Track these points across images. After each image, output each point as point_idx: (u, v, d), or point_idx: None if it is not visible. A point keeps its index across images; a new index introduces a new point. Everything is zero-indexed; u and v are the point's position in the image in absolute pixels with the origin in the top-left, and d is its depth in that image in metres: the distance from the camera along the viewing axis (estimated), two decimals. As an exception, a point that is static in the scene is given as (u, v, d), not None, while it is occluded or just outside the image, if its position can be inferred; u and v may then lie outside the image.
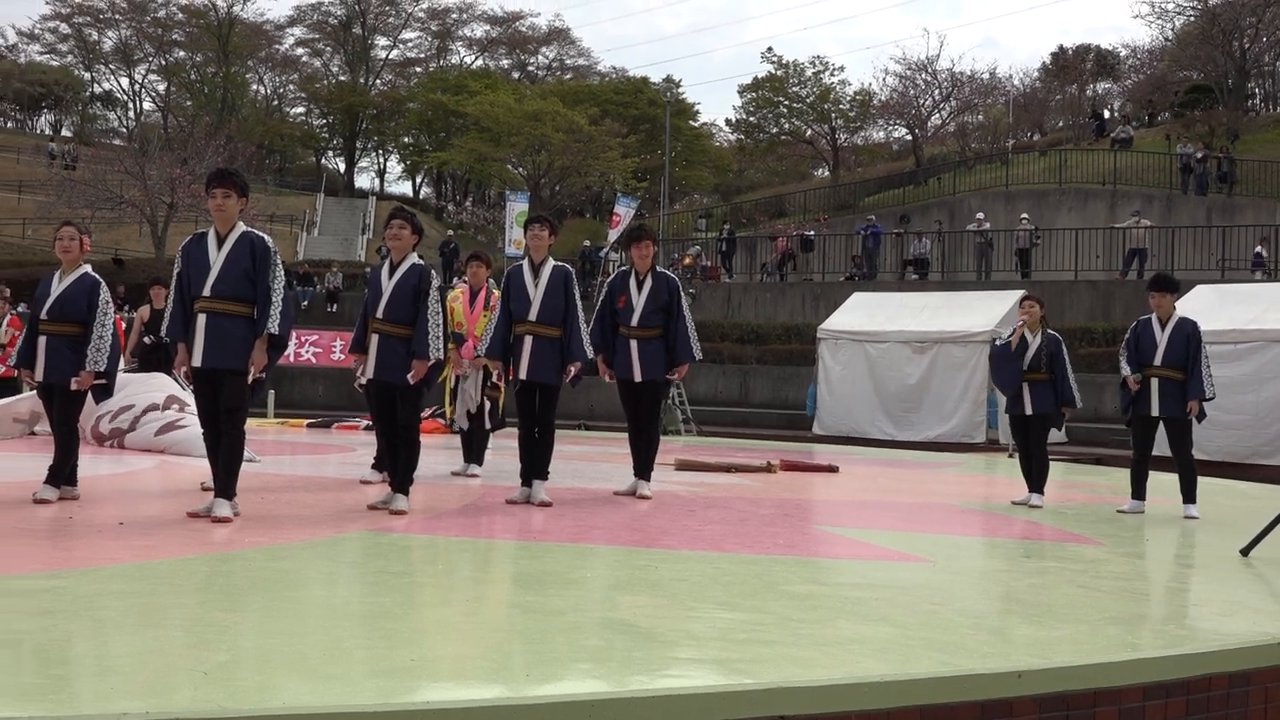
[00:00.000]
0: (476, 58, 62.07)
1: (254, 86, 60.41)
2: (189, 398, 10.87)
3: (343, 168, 61.94)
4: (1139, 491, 8.70)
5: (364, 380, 7.16)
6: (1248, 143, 37.17)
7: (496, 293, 8.67)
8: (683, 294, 8.28)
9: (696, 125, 56.44)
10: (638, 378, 8.11)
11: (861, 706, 3.26)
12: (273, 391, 22.02)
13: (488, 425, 9.55)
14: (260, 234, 6.41)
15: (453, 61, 62.22)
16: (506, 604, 4.50)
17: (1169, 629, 4.58)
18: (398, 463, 7.04)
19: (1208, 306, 15.96)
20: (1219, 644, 4.08)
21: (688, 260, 30.93)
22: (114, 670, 3.14)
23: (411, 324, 6.92)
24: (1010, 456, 15.13)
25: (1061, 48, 54.72)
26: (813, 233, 31.80)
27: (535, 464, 7.66)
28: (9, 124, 60.94)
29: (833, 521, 8.06)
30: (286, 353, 6.65)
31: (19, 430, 12.04)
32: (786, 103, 49.76)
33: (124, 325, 13.25)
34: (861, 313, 20.61)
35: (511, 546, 6.15)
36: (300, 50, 60.72)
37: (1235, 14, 40.38)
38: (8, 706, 2.73)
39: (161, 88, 59.22)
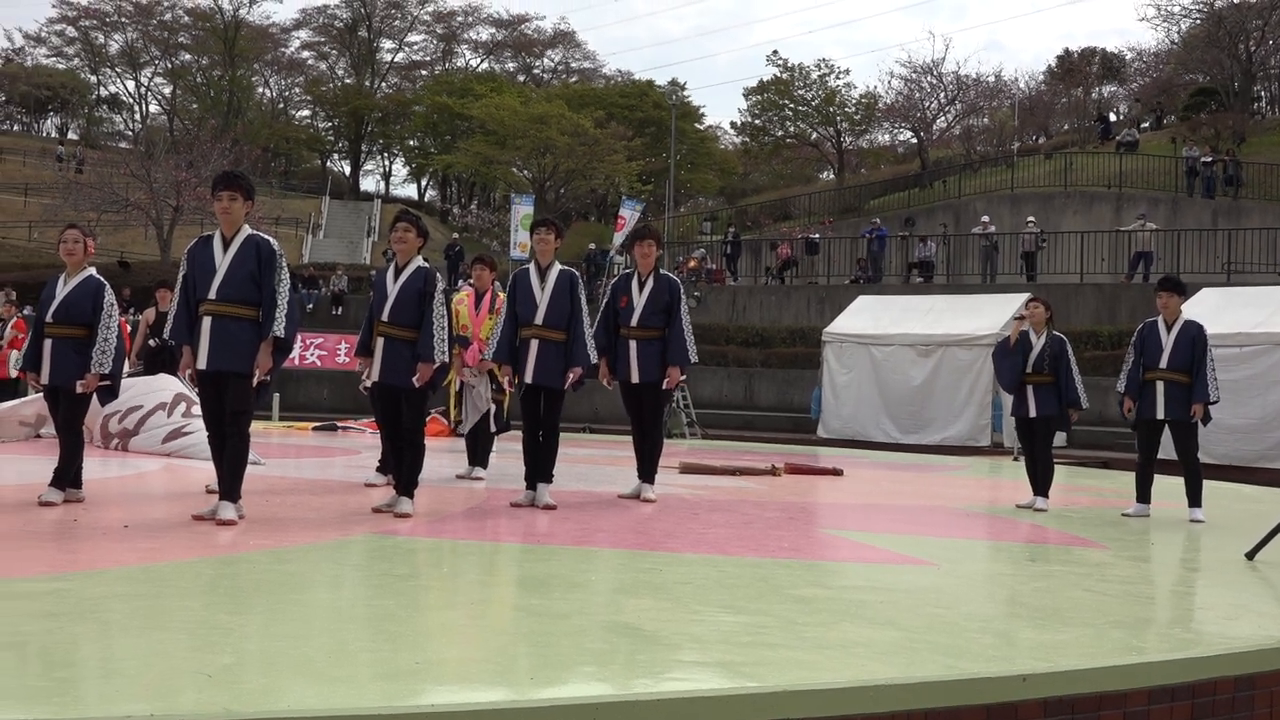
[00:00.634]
0: (482, 61, 62.18)
1: (259, 89, 60.54)
2: (196, 397, 10.88)
3: (348, 171, 62.05)
4: (1144, 495, 8.69)
5: (369, 383, 7.16)
6: (1254, 145, 37.11)
7: (502, 295, 8.68)
8: (684, 297, 8.27)
9: (701, 128, 56.45)
10: (635, 379, 8.11)
11: (866, 710, 3.26)
12: (278, 394, 22.04)
13: (492, 429, 9.55)
14: (266, 237, 6.41)
15: (458, 64, 62.33)
16: (511, 607, 4.50)
17: (1174, 633, 4.57)
18: (402, 466, 7.04)
19: (1214, 309, 15.93)
20: (1224, 648, 4.07)
21: (692, 263, 30.92)
22: (119, 673, 3.14)
23: (417, 327, 6.93)
24: (1015, 460, 15.12)
25: (1067, 51, 54.78)
26: (818, 236, 31.79)
27: (540, 467, 7.66)
28: (15, 127, 61.10)
29: (837, 524, 8.05)
30: (291, 356, 6.65)
31: (24, 433, 12.06)
32: (792, 106, 49.77)
33: (129, 328, 13.28)
34: (866, 316, 20.60)
35: (516, 549, 6.15)
36: (306, 53, 60.87)
37: (1241, 17, 40.32)
38: (13, 709, 2.74)
39: (167, 91, 59.35)
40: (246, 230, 6.36)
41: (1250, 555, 6.43)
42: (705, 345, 8.73)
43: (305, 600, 4.37)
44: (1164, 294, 8.74)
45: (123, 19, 56.05)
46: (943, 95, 47.58)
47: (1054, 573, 5.79)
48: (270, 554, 5.34)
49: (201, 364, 6.24)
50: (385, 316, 7.01)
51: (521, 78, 60.83)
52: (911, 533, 7.35)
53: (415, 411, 7.04)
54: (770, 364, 24.57)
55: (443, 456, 10.98)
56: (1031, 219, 28.57)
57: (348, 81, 60.10)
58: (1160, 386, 8.56)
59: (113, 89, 62.15)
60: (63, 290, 6.99)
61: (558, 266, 7.80)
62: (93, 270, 7.13)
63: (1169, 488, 9.42)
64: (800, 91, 49.34)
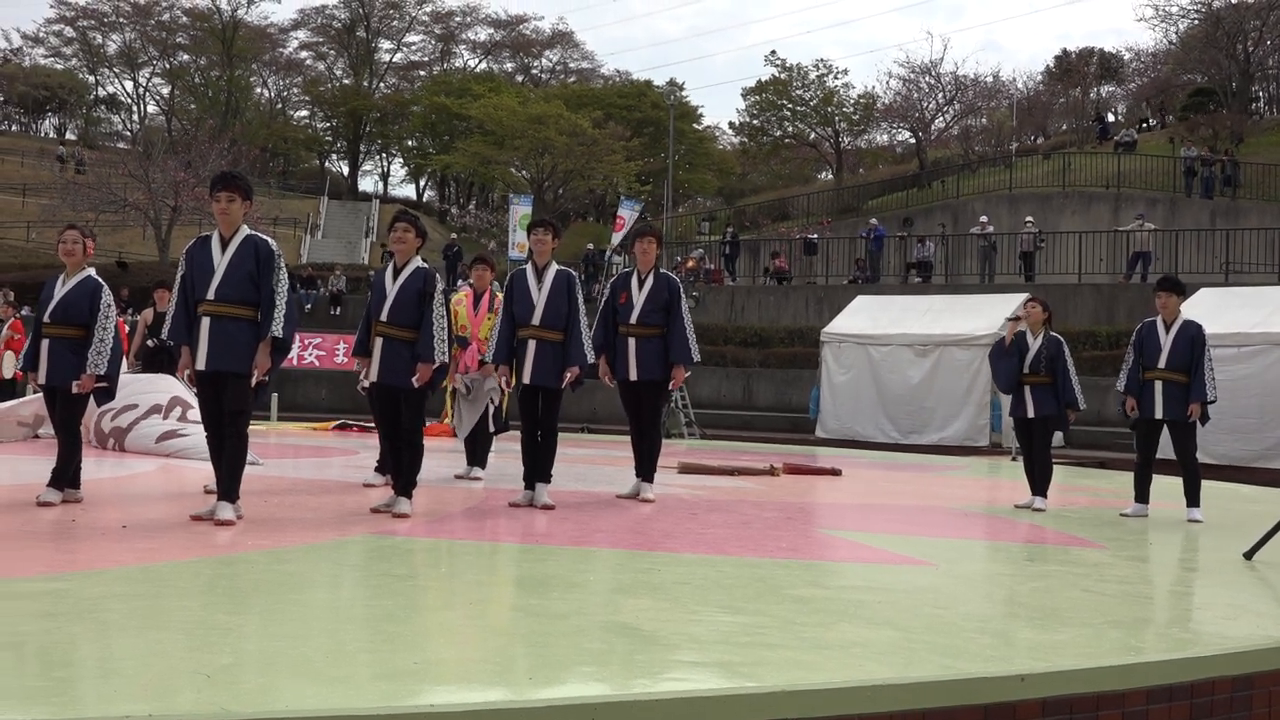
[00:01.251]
0: (480, 61, 62.19)
1: (258, 90, 60.55)
2: (194, 399, 10.88)
3: (346, 171, 62.06)
4: (1142, 495, 8.69)
5: (367, 384, 7.16)
6: (1252, 145, 37.15)
7: (500, 295, 8.68)
8: (684, 296, 8.27)
9: (700, 128, 56.48)
10: (633, 376, 8.11)
11: (864, 710, 3.26)
12: (275, 394, 22.04)
13: (491, 429, 9.55)
14: (264, 237, 6.41)
15: (456, 65, 62.34)
16: (509, 607, 4.50)
17: (1172, 632, 4.57)
18: (401, 466, 7.04)
19: (1212, 309, 15.94)
20: (1222, 647, 4.08)
21: (691, 263, 30.90)
22: (117, 673, 3.14)
23: (415, 327, 6.93)
24: (1014, 460, 15.13)
25: (1065, 51, 54.79)
26: (816, 236, 31.79)
27: (538, 467, 7.66)
28: (13, 127, 61.06)
29: (835, 525, 8.05)
30: (290, 356, 6.65)
31: (23, 433, 12.05)
32: (790, 106, 49.79)
33: (127, 328, 13.28)
34: (865, 316, 20.61)
35: (514, 550, 6.15)
36: (304, 53, 60.89)
37: (1239, 17, 40.36)
38: (11, 709, 2.74)
39: (165, 91, 59.36)
40: (245, 230, 6.36)
41: (1248, 555, 6.43)
42: (704, 345, 8.75)
43: (303, 600, 4.37)
44: (1163, 294, 8.75)
45: (121, 19, 56.06)
46: (941, 95, 47.63)
47: (1052, 573, 5.80)
48: (268, 554, 5.34)
49: (200, 364, 6.24)
50: (384, 317, 7.01)
51: (520, 78, 60.84)
52: (909, 533, 7.35)
53: (414, 412, 7.04)
54: (768, 364, 24.58)
55: (441, 457, 10.98)
56: (1030, 219, 28.59)
57: (346, 82, 60.10)
58: (1159, 386, 8.57)
59: (111, 89, 62.25)
60: (61, 291, 6.99)
61: (555, 267, 7.79)
62: (91, 271, 7.12)
63: (1167, 488, 9.42)
64: (798, 92, 49.37)
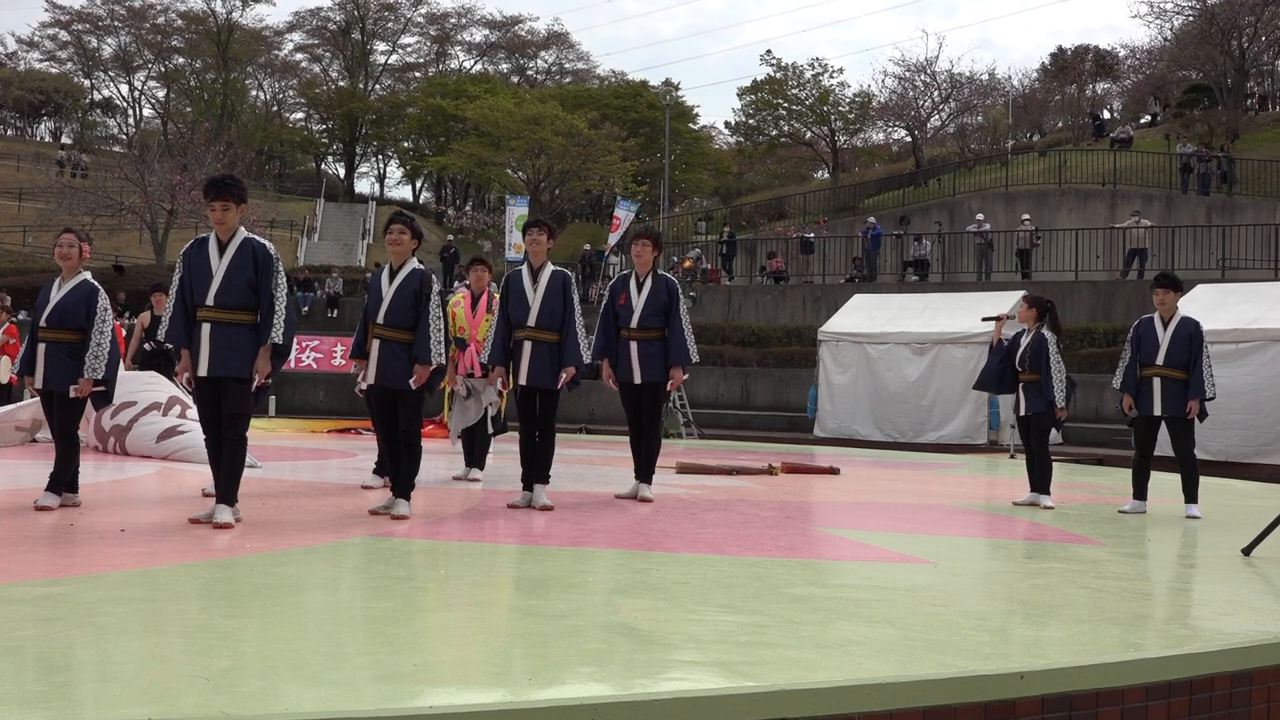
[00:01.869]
0: (475, 62, 62.20)
1: (253, 92, 60.51)
2: (191, 399, 10.86)
3: (342, 173, 62.02)
4: (1140, 491, 8.69)
5: (365, 386, 7.16)
6: (1247, 141, 37.19)
7: (498, 297, 8.67)
8: (682, 297, 8.28)
9: (696, 128, 56.48)
10: (637, 379, 8.12)
11: (864, 708, 3.26)
12: (274, 397, 22.05)
13: (489, 430, 9.55)
14: (262, 240, 6.40)
15: (452, 66, 62.36)
16: (508, 608, 4.50)
17: (1171, 629, 4.57)
18: (399, 468, 7.04)
19: (1209, 306, 15.96)
20: (1221, 643, 4.08)
21: (688, 263, 30.94)
22: (116, 677, 3.14)
23: (412, 329, 6.93)
24: (1012, 457, 15.14)
25: (1060, 48, 54.82)
26: (813, 235, 31.80)
27: (536, 468, 7.65)
28: (9, 131, 61.02)
29: (834, 523, 8.05)
30: (288, 358, 6.65)
31: (20, 438, 12.04)
32: (786, 105, 49.81)
33: (124, 332, 13.26)
34: (862, 315, 20.62)
35: (513, 551, 6.15)
36: (299, 56, 60.88)
37: (1234, 13, 40.38)
38: (10, 714, 2.73)
39: (161, 94, 59.38)
40: (243, 233, 6.36)
41: (1247, 551, 6.44)
42: (701, 345, 8.75)
43: (302, 603, 4.37)
44: (1160, 290, 8.75)
45: (115, 23, 56.05)
46: (936, 94, 47.66)
47: (1051, 570, 5.80)
48: (267, 557, 5.34)
49: (202, 370, 6.24)
50: (381, 319, 7.01)
51: (515, 79, 60.85)
52: (908, 531, 7.35)
53: (412, 413, 7.04)
54: (766, 363, 24.59)
55: (439, 458, 10.97)
56: (1026, 217, 28.61)
57: (341, 84, 60.08)
58: (1157, 383, 8.57)
59: (106, 93, 62.27)
60: (57, 295, 6.98)
61: (550, 267, 7.79)
62: (87, 275, 7.11)
63: (1165, 484, 9.43)
64: (794, 91, 49.39)
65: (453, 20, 60.19)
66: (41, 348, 6.93)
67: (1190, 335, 8.55)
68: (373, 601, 4.45)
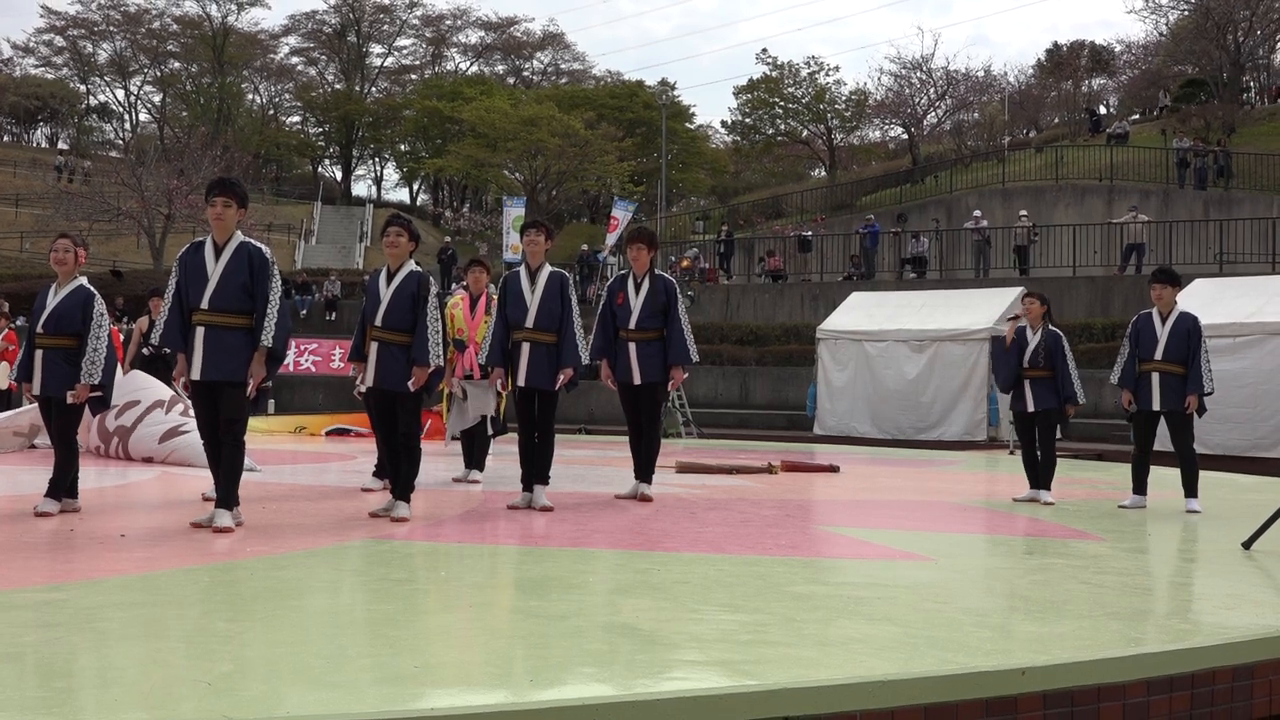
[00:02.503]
0: (471, 64, 62.20)
1: (249, 96, 60.51)
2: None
3: (339, 176, 62.03)
4: (1140, 486, 8.70)
5: (363, 388, 7.15)
6: (1244, 136, 37.21)
7: (496, 298, 8.66)
8: (680, 296, 8.28)
9: (692, 128, 56.49)
10: (636, 380, 8.12)
11: (866, 706, 3.26)
12: (273, 401, 22.04)
13: (489, 431, 9.55)
14: (258, 244, 6.39)
15: (448, 68, 62.36)
16: (509, 609, 4.49)
17: (1172, 623, 4.58)
18: (398, 470, 7.03)
19: (1207, 300, 15.96)
20: (1222, 637, 4.08)
21: (685, 263, 30.93)
22: (117, 682, 3.14)
23: (410, 331, 6.92)
24: (1011, 454, 15.14)
25: (1056, 44, 54.86)
26: (810, 233, 31.80)
27: (536, 469, 7.65)
28: (5, 138, 60.97)
29: (834, 521, 8.05)
30: (286, 362, 6.64)
31: (19, 444, 12.03)
32: (782, 104, 49.82)
33: (121, 337, 13.26)
34: (860, 312, 20.61)
35: (513, 552, 6.15)
36: (295, 59, 60.88)
37: (1229, 7, 40.40)
38: (11, 720, 2.73)
39: (157, 99, 59.32)
40: (239, 237, 6.35)
41: (1247, 545, 6.44)
42: (700, 344, 8.75)
43: (303, 606, 4.36)
44: (1158, 285, 8.75)
45: (111, 28, 56.01)
46: (933, 91, 47.68)
47: (1051, 565, 5.80)
48: (268, 560, 5.34)
49: (195, 374, 6.23)
50: (379, 321, 7.00)
51: (511, 80, 60.87)
52: (908, 528, 7.35)
53: (411, 416, 7.03)
54: (765, 362, 24.59)
55: (439, 460, 10.97)
56: (1023, 213, 28.61)
57: (337, 87, 60.08)
58: (1155, 378, 8.57)
59: (102, 98, 62.20)
60: (53, 300, 6.96)
61: (548, 268, 7.78)
62: (83, 280, 7.09)
63: (1165, 479, 9.43)
64: (790, 89, 49.41)
65: (448, 22, 60.26)
66: (39, 354, 6.91)
67: (1188, 330, 8.55)
68: (374, 604, 4.45)
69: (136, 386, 11.07)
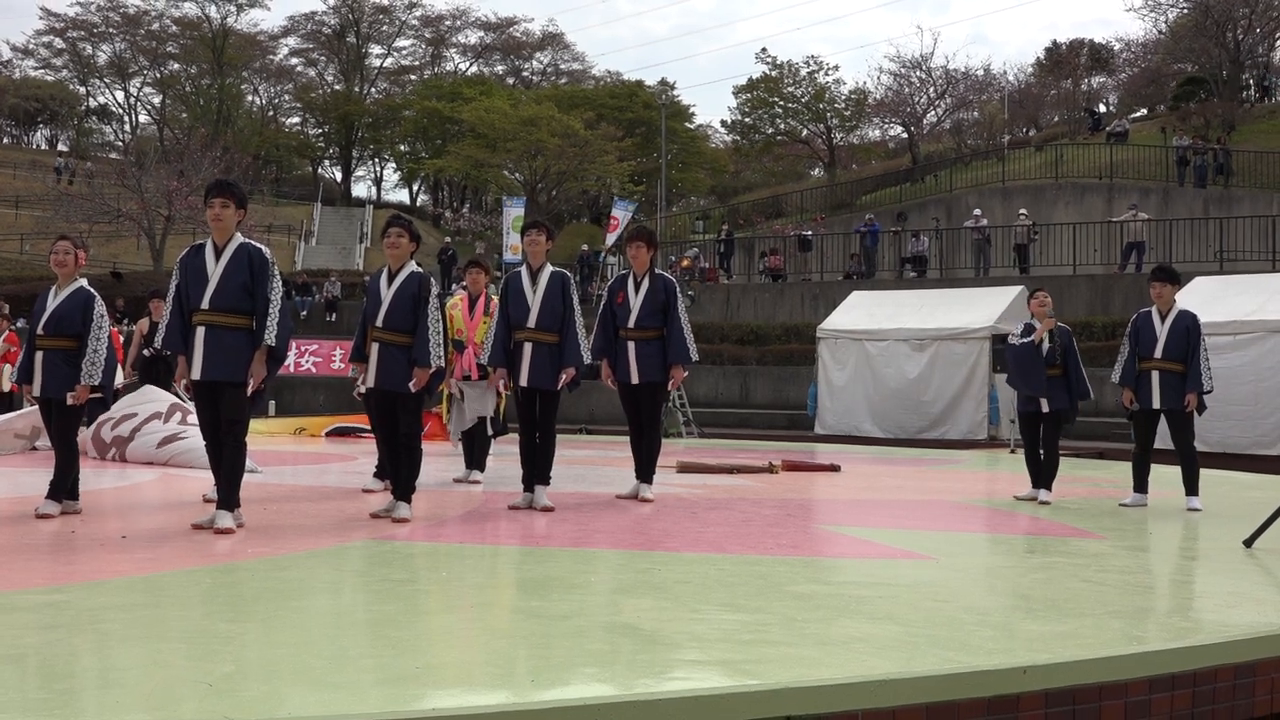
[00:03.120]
0: (471, 64, 62.17)
1: (249, 97, 60.49)
2: (192, 405, 10.87)
3: (339, 177, 62.01)
4: (1141, 484, 8.69)
5: (363, 389, 7.15)
6: (1243, 133, 37.21)
7: (496, 299, 8.67)
8: (680, 296, 8.28)
9: (692, 128, 56.48)
10: (634, 379, 8.11)
11: (867, 705, 3.26)
12: (273, 402, 22.04)
13: (490, 432, 9.54)
14: (258, 245, 6.40)
15: (447, 68, 62.33)
16: (510, 610, 4.49)
17: (1173, 621, 4.57)
18: (399, 471, 7.03)
19: (1207, 298, 15.97)
20: (1224, 635, 4.08)
21: (686, 262, 30.93)
22: (119, 683, 3.14)
23: (411, 332, 6.92)
24: (1013, 453, 15.13)
25: (1055, 43, 54.87)
26: (810, 233, 31.79)
27: (537, 469, 7.65)
28: (5, 140, 60.97)
29: (835, 520, 8.05)
30: (287, 363, 6.64)
31: (19, 446, 12.03)
32: (781, 103, 49.81)
33: (122, 338, 13.27)
34: (860, 312, 20.61)
35: (514, 552, 6.15)
36: (295, 60, 60.85)
37: (1228, 5, 40.40)
38: (13, 722, 2.73)
39: (157, 100, 59.30)
40: (239, 238, 6.35)
41: (1248, 543, 6.44)
42: (700, 344, 8.76)
43: (305, 607, 4.36)
44: (1157, 284, 8.75)
45: (110, 29, 55.99)
46: (932, 90, 47.69)
47: (1053, 564, 5.80)
48: (269, 561, 5.34)
49: (196, 374, 6.24)
50: (380, 322, 7.00)
51: (511, 80, 60.85)
52: (909, 527, 7.35)
53: (411, 416, 7.03)
54: (765, 361, 24.58)
55: (440, 461, 10.97)
56: (1023, 211, 28.61)
57: (337, 88, 60.06)
58: (1155, 376, 8.57)
59: (102, 100, 62.17)
60: (53, 302, 6.97)
61: (549, 268, 7.78)
62: (83, 281, 7.10)
63: (1166, 477, 9.43)
64: (790, 89, 49.40)
65: (447, 23, 60.23)
66: (39, 355, 6.92)
67: (1188, 328, 8.55)
68: (375, 605, 4.45)
69: (134, 402, 11.17)
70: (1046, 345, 8.76)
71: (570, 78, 61.21)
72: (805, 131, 50.81)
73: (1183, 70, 45.18)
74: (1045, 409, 8.81)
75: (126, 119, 61.91)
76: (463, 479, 9.43)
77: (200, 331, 6.22)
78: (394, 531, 6.44)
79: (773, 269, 30.20)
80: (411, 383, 6.87)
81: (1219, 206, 28.25)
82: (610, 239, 29.80)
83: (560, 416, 8.02)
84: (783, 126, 50.97)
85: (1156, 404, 8.57)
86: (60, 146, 59.76)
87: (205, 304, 6.22)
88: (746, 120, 52.17)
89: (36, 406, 7.76)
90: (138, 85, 59.33)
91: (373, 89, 60.91)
